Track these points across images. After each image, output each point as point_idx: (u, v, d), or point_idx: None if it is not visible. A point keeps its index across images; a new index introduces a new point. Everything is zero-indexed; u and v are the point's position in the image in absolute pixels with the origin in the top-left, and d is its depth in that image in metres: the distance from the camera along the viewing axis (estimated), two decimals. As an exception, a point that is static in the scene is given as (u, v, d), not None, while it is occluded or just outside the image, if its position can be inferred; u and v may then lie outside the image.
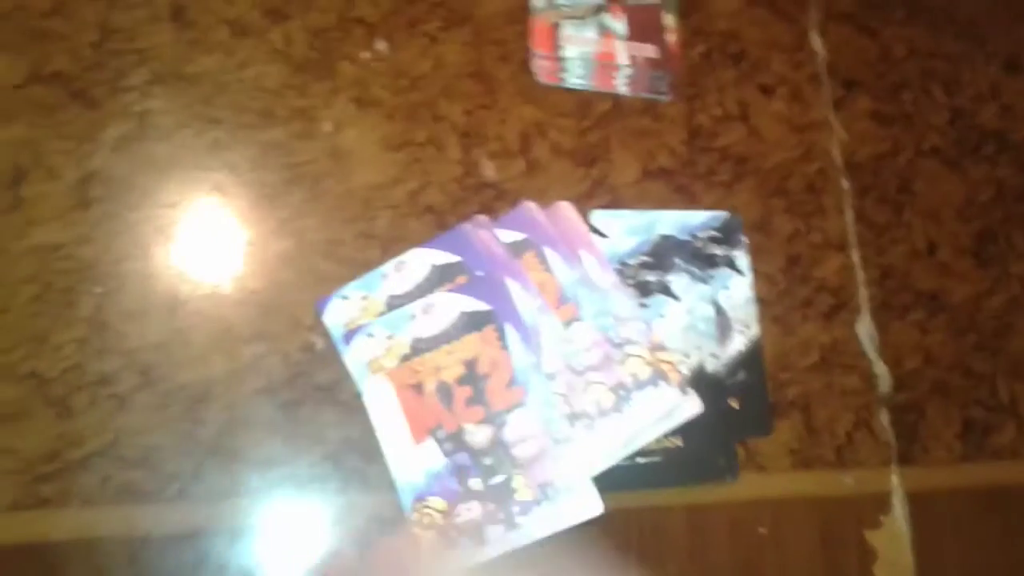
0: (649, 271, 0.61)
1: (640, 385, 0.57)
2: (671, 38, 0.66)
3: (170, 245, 0.57)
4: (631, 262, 0.61)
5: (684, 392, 0.58)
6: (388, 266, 0.58)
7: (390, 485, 0.56)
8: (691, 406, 0.58)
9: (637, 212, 0.63)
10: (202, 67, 0.60)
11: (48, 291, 0.55)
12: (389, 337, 0.56)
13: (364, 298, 0.57)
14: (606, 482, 0.56)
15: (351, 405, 0.57)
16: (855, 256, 0.67)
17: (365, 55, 0.63)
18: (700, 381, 0.61)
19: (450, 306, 0.57)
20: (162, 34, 0.60)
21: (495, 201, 0.62)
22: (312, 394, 0.57)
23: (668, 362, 0.58)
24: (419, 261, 0.58)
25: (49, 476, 0.53)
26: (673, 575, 0.60)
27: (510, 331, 0.57)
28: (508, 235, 0.60)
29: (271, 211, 0.59)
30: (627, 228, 0.62)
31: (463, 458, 0.55)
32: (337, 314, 0.57)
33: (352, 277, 0.59)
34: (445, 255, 0.58)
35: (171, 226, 0.58)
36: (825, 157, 0.68)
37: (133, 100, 0.59)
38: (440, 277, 0.58)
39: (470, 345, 0.56)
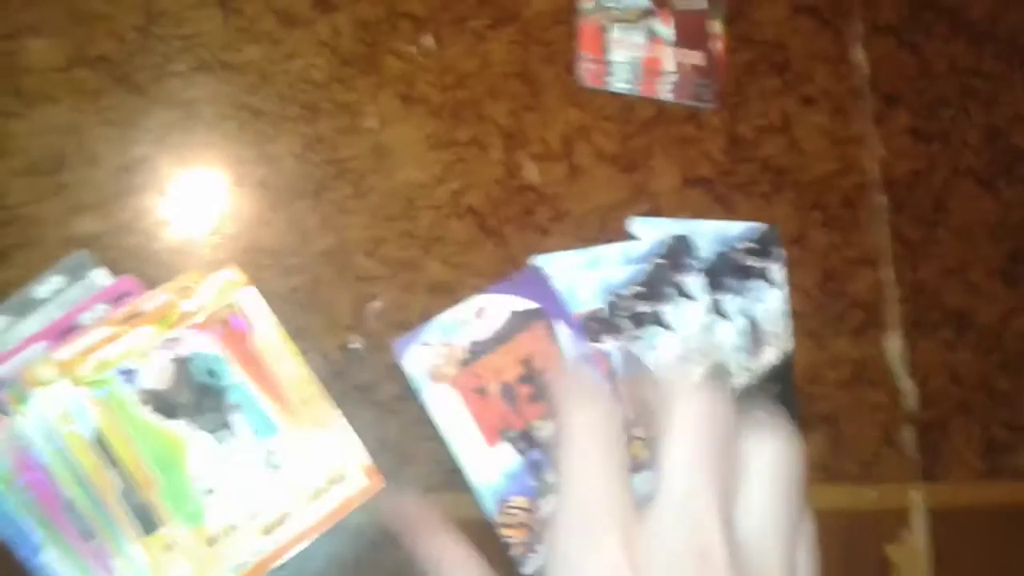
0: (643, 301, 0.61)
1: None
2: (717, 45, 0.66)
3: (212, 238, 0.57)
4: (624, 293, 0.61)
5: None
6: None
7: (427, 486, 0.57)
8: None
9: (676, 220, 0.63)
10: (248, 56, 0.59)
11: (88, 281, 0.55)
12: (445, 344, 0.56)
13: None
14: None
15: (388, 407, 0.57)
16: (888, 273, 0.67)
17: (411, 50, 0.62)
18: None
19: (501, 307, 0.57)
20: (209, 20, 0.59)
21: (537, 205, 0.62)
22: (350, 394, 0.56)
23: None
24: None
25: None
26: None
27: (559, 326, 0.57)
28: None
29: (315, 206, 0.58)
30: (625, 255, 0.62)
31: (536, 454, 0.55)
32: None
33: (393, 276, 0.59)
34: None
35: (213, 219, 0.57)
36: (863, 172, 0.68)
37: (178, 88, 0.58)
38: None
39: (524, 343, 0.56)
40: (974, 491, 0.66)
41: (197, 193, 0.57)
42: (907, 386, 0.66)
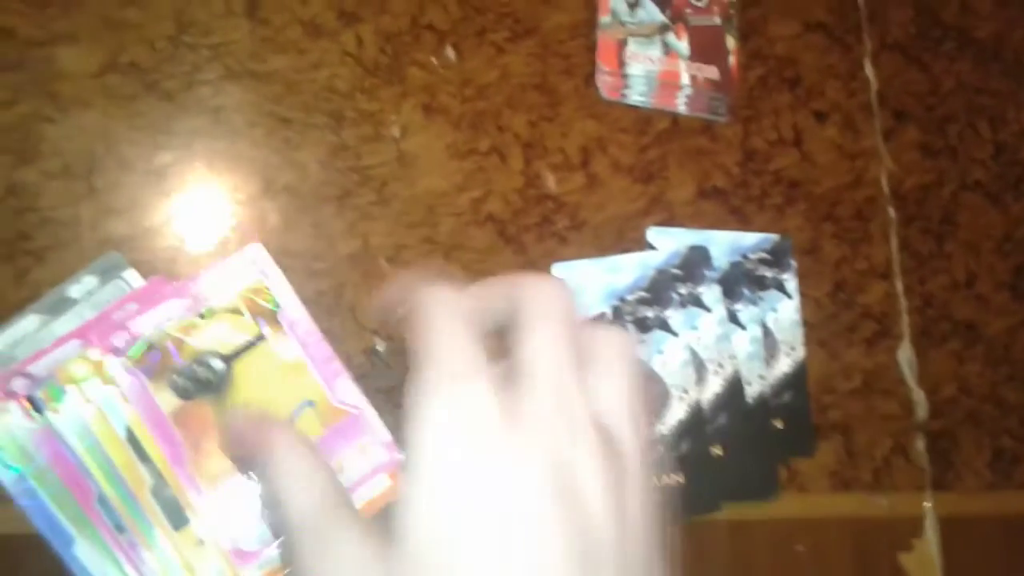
0: (647, 306, 0.62)
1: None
2: (731, 60, 0.67)
3: (241, 242, 0.58)
4: (629, 298, 0.62)
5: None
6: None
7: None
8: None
9: (691, 231, 0.65)
10: (275, 66, 0.61)
11: (118, 283, 0.56)
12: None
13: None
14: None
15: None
16: (898, 284, 0.68)
17: (433, 61, 0.63)
18: (740, 397, 0.62)
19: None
20: (237, 30, 0.60)
21: (555, 213, 0.63)
22: (373, 397, 0.57)
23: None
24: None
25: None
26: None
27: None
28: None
29: (339, 212, 0.60)
30: (633, 263, 0.63)
31: None
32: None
33: (415, 282, 0.60)
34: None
35: (241, 225, 0.58)
36: (874, 185, 0.69)
37: (207, 95, 0.59)
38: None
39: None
40: (984, 500, 0.67)
41: (225, 197, 0.58)
42: (918, 396, 0.67)
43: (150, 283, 0.54)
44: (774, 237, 0.66)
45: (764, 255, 0.65)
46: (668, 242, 0.64)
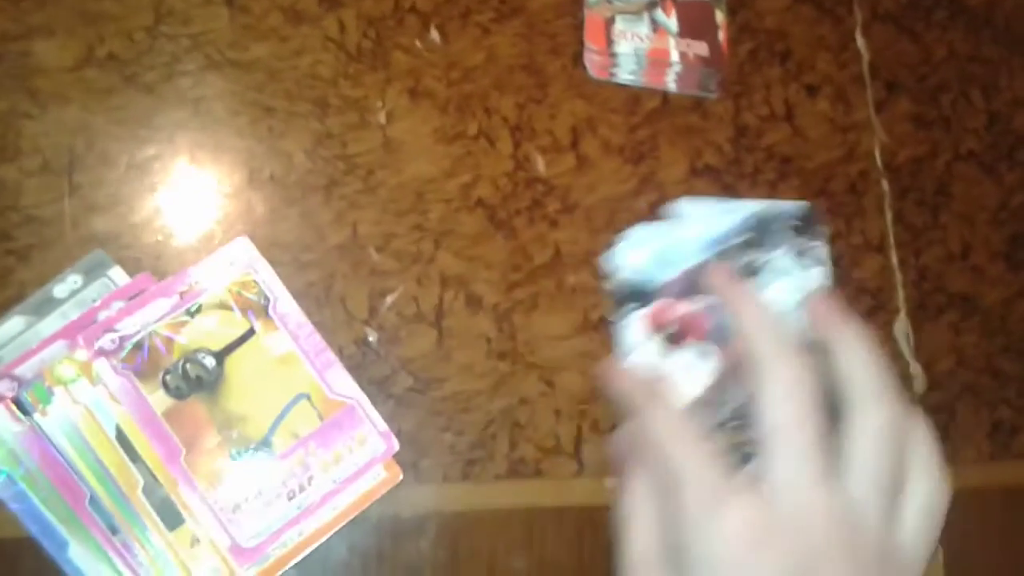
0: (751, 250, 0.60)
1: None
2: (720, 35, 0.66)
3: (227, 235, 0.57)
4: (730, 244, 0.60)
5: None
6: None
7: (444, 476, 0.57)
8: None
9: (723, 200, 0.63)
10: (256, 54, 0.60)
11: (104, 280, 0.55)
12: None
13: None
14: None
15: (403, 400, 0.58)
16: (893, 258, 0.68)
17: (418, 45, 0.62)
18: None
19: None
20: (216, 19, 0.59)
21: (545, 196, 0.62)
22: (366, 388, 0.57)
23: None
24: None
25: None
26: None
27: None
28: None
29: (327, 202, 0.59)
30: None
31: None
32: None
33: (405, 270, 0.59)
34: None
35: (228, 216, 0.57)
36: (867, 158, 0.68)
37: (188, 86, 0.58)
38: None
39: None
40: (981, 472, 0.67)
41: (209, 190, 0.58)
42: (915, 370, 0.67)
43: (136, 280, 0.53)
44: (804, 204, 0.64)
45: (795, 222, 0.64)
46: (701, 212, 0.62)
